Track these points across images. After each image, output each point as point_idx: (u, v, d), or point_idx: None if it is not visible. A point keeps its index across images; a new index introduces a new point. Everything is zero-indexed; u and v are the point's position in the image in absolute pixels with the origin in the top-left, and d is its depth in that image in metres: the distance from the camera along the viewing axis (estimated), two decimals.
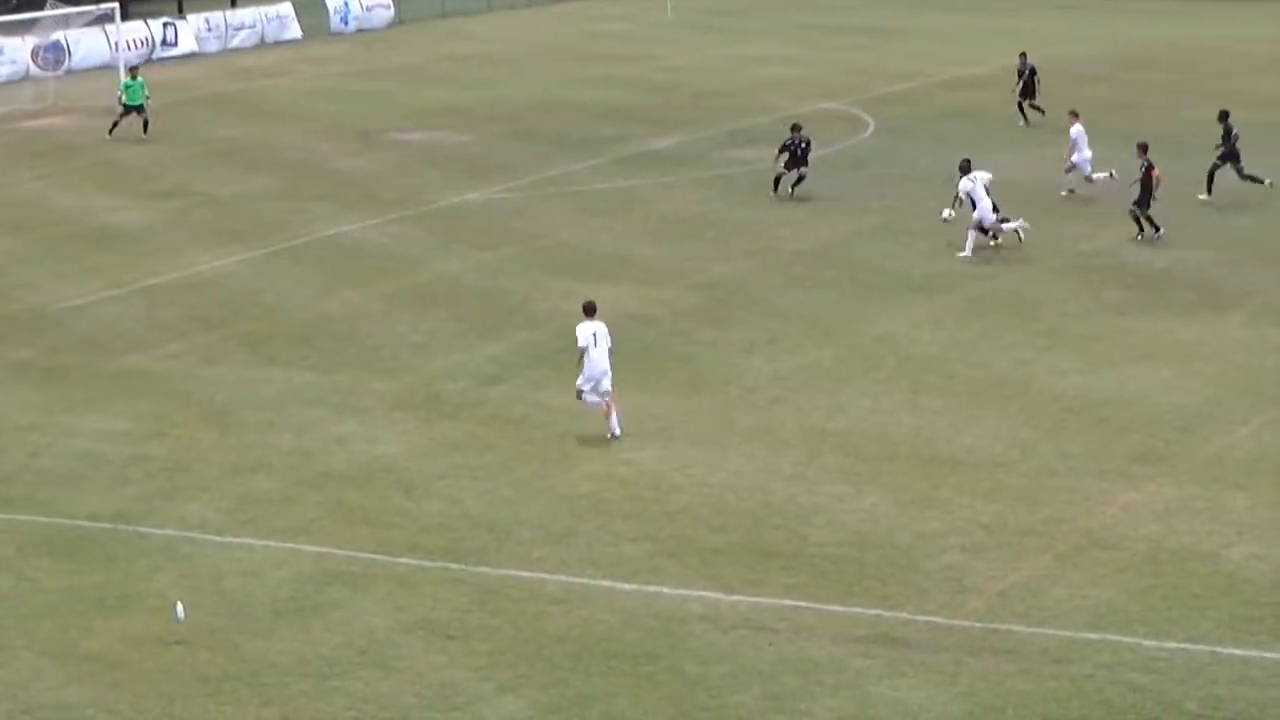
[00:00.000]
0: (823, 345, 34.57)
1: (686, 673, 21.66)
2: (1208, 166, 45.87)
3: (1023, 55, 56.78)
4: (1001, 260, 40.33)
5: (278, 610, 23.60)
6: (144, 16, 79.85)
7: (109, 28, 71.96)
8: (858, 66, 70.89)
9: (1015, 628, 22.55)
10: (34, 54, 72.44)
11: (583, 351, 29.50)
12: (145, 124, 57.53)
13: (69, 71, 72.26)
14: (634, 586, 24.04)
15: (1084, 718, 20.49)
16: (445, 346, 35.14)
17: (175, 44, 79.38)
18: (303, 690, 21.45)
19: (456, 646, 22.46)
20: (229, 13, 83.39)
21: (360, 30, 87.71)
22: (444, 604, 23.63)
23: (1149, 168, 41.54)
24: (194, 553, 25.51)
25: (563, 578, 24.36)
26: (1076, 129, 46.38)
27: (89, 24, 72.13)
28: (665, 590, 23.89)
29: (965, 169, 41.69)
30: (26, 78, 71.17)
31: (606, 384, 29.56)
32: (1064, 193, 46.41)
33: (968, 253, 40.40)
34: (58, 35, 72.44)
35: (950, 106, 60.53)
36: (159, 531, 26.29)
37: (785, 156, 46.69)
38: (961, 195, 41.11)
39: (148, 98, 57.77)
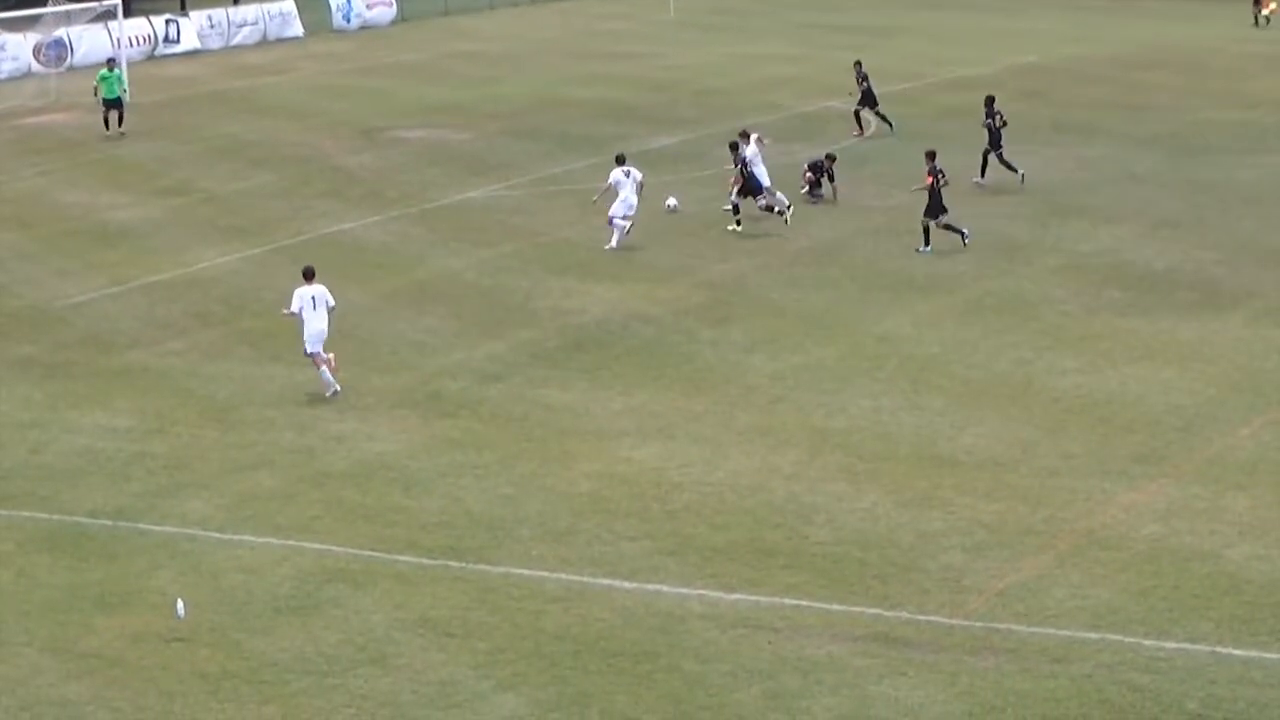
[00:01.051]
0: (824, 344, 34.58)
1: (686, 671, 21.67)
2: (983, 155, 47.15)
3: (857, 64, 56.06)
4: (1001, 260, 40.32)
5: (278, 608, 23.61)
6: (146, 13, 79.85)
7: (111, 24, 71.88)
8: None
9: (1015, 627, 22.56)
10: (36, 51, 72.42)
11: (299, 313, 32.07)
12: (120, 118, 56.98)
13: (71, 68, 72.22)
14: (634, 585, 24.06)
15: (1084, 717, 20.50)
16: (446, 344, 35.15)
17: (178, 41, 79.37)
18: (303, 687, 21.47)
19: (456, 644, 22.48)
20: (231, 10, 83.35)
21: (363, 27, 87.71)
22: (444, 602, 23.64)
23: (931, 173, 41.20)
24: (194, 550, 25.53)
25: (562, 576, 24.37)
26: (750, 149, 44.38)
27: (91, 21, 72.09)
28: (665, 589, 23.90)
29: (738, 144, 43.78)
30: (29, 74, 71.15)
31: (319, 345, 32.03)
32: (747, 216, 44.53)
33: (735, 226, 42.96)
34: (60, 32, 72.43)
35: (951, 106, 60.43)
36: (159, 528, 26.30)
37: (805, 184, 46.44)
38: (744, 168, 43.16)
39: (124, 90, 57.13)
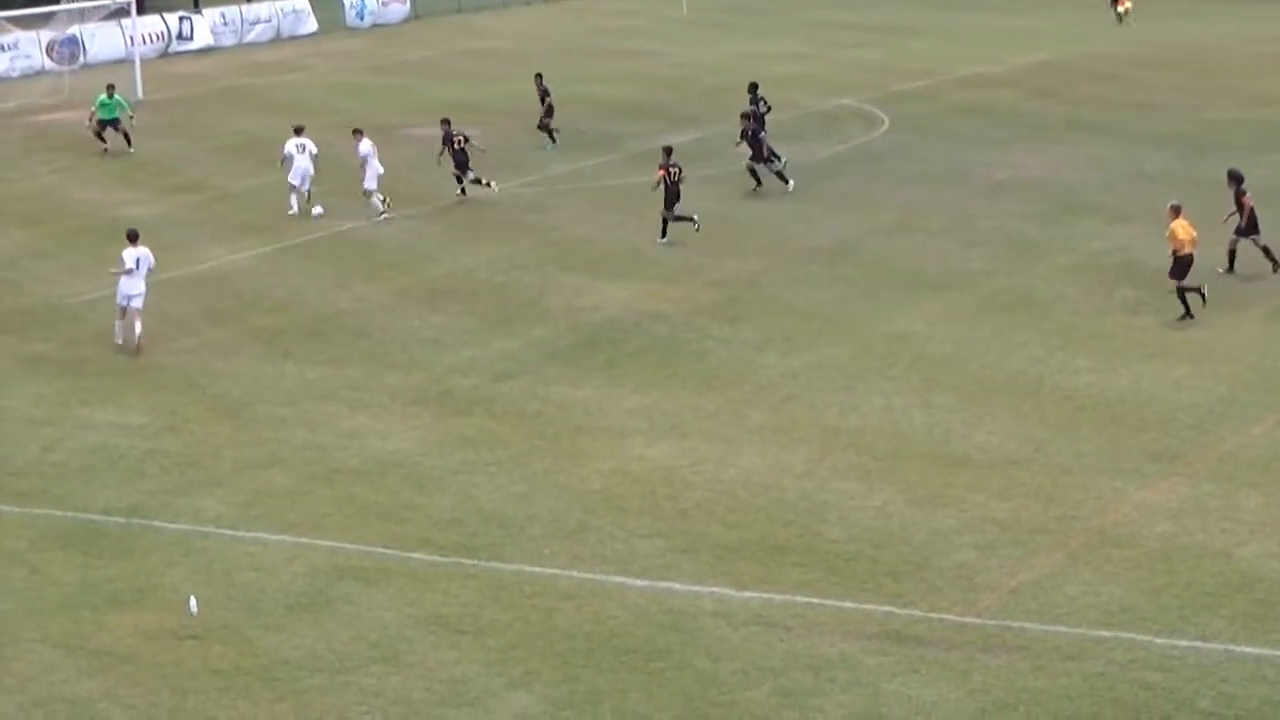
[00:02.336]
0: (836, 343, 34.57)
1: (698, 669, 21.67)
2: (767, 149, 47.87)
3: (538, 76, 56.03)
4: (1013, 259, 40.30)
5: (290, 605, 23.64)
6: (160, 11, 79.98)
7: (124, 22, 72.08)
8: (872, 64, 70.84)
9: (1028, 625, 22.54)
10: (49, 48, 72.55)
11: (125, 272, 35.04)
12: (127, 137, 55.10)
13: (84, 66, 72.35)
14: (646, 582, 24.06)
15: (1096, 715, 20.49)
16: (458, 342, 35.17)
17: (191, 38, 79.53)
18: (315, 685, 21.49)
19: (468, 642, 22.49)
20: (245, 7, 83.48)
21: (376, 25, 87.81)
22: (456, 599, 23.66)
23: (663, 167, 42.44)
24: (207, 547, 25.56)
25: (574, 573, 24.38)
26: (365, 145, 45.88)
27: (104, 18, 72.29)
28: (677, 586, 23.91)
29: (297, 130, 46.63)
30: (42, 72, 71.30)
31: (139, 302, 35.03)
32: (380, 218, 45.47)
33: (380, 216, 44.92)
34: (73, 29, 72.55)
35: (964, 104, 60.47)
36: (172, 526, 26.34)
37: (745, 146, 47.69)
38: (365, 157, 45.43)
39: (131, 117, 55.48)
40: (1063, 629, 22.43)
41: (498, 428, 30.27)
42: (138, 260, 35.30)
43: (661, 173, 42.53)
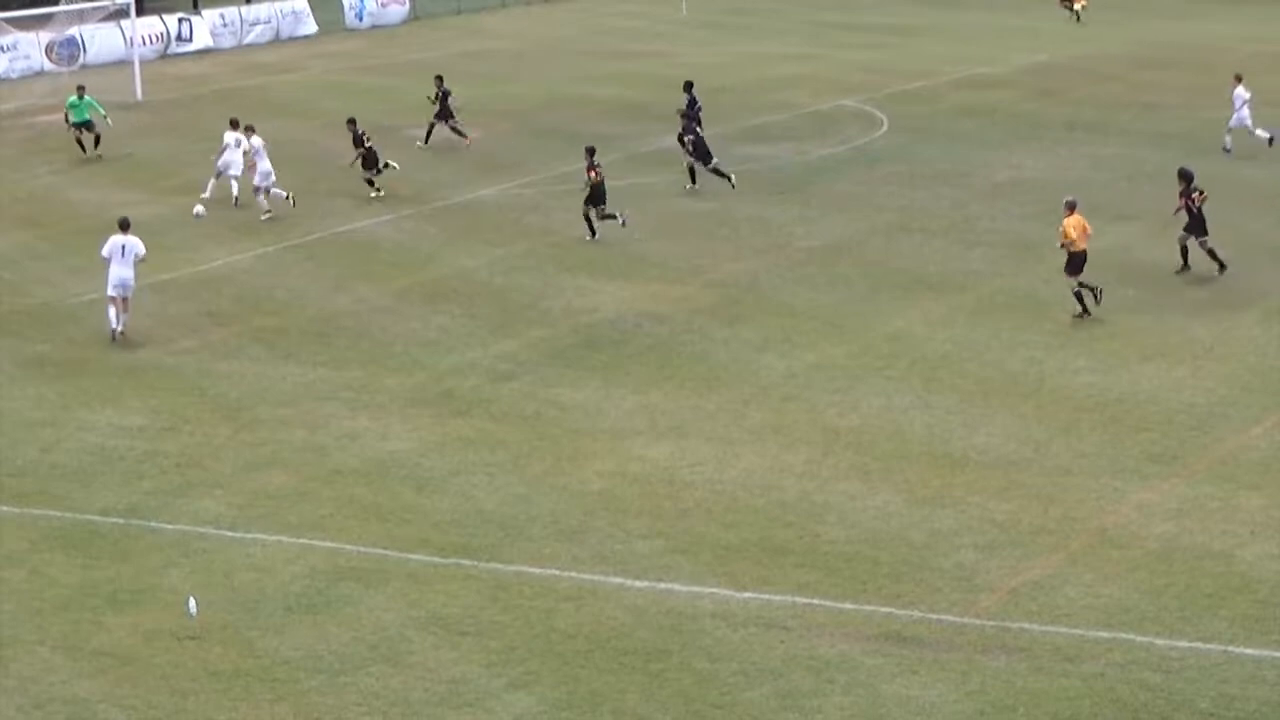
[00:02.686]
0: (835, 343, 34.57)
1: (698, 670, 21.67)
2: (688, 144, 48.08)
3: (438, 78, 56.13)
4: (1013, 259, 40.30)
5: (290, 606, 23.64)
6: (159, 11, 79.95)
7: (124, 23, 72.02)
8: (872, 64, 70.83)
9: (1027, 626, 22.55)
10: (49, 49, 72.50)
11: (107, 260, 35.55)
12: (97, 139, 54.63)
13: (84, 67, 72.31)
14: (645, 583, 24.06)
15: (1095, 716, 20.49)
16: (458, 343, 35.17)
17: (190, 39, 79.48)
18: (314, 686, 21.49)
19: (468, 643, 22.49)
20: (244, 8, 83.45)
21: (375, 26, 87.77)
22: (455, 600, 23.66)
23: (591, 168, 43.03)
24: (206, 548, 25.56)
25: (574, 574, 24.38)
26: (256, 141, 46.87)
27: (104, 19, 72.17)
28: (677, 587, 23.91)
29: (234, 125, 47.65)
30: (41, 73, 71.27)
31: (129, 292, 35.64)
32: (265, 216, 45.82)
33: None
34: (72, 30, 72.50)
35: (964, 105, 60.48)
36: (172, 527, 26.34)
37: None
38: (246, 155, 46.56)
39: (105, 116, 54.85)
40: (1062, 630, 22.43)
41: (498, 429, 30.27)
42: (123, 248, 35.63)
43: (591, 173, 43.09)
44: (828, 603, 23.37)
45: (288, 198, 46.37)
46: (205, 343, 35.59)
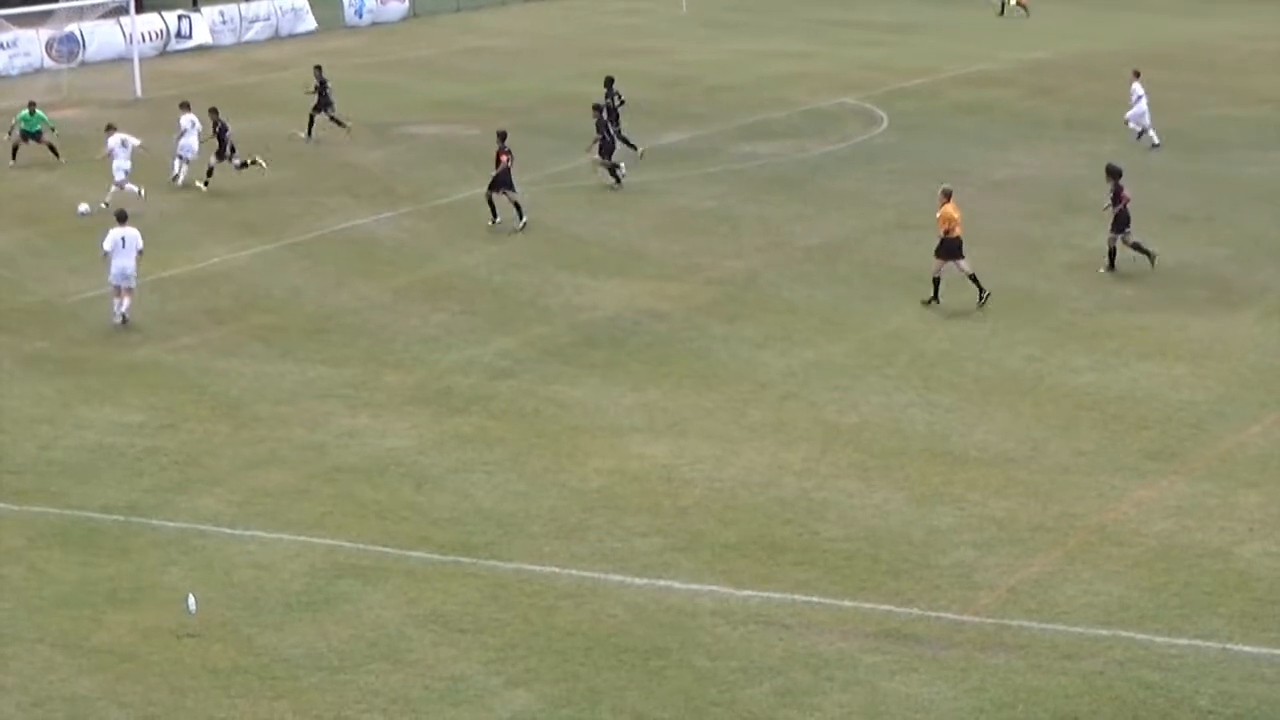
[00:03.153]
0: (835, 341, 34.58)
1: (697, 667, 21.68)
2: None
3: (317, 68, 56.94)
4: (1013, 257, 40.31)
5: (289, 603, 23.63)
6: (159, 9, 79.96)
7: (124, 20, 72.03)
8: (871, 62, 70.85)
9: (1026, 624, 22.55)
10: (48, 46, 72.50)
11: (108, 253, 36.21)
12: (53, 149, 53.66)
13: (83, 64, 72.33)
14: (645, 581, 24.06)
15: (1095, 714, 20.49)
16: (457, 340, 35.17)
17: (190, 36, 79.50)
18: (314, 683, 21.49)
19: (467, 640, 22.49)
20: (243, 6, 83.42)
21: (374, 23, 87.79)
22: (455, 597, 23.66)
23: (503, 151, 43.90)
24: (206, 545, 25.56)
25: (573, 572, 24.38)
26: (113, 140, 48.16)
27: (103, 16, 72.23)
28: (676, 585, 23.91)
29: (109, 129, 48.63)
30: (41, 70, 71.27)
31: (131, 282, 36.44)
32: (102, 205, 46.01)
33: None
34: (72, 27, 72.51)
35: (963, 102, 60.50)
36: (171, 524, 26.33)
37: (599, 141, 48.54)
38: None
39: (53, 129, 54.16)
40: (1061, 627, 22.43)
41: (496, 426, 30.27)
42: (123, 240, 36.24)
43: (504, 158, 43.88)
44: (827, 600, 23.38)
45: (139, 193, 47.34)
46: (204, 340, 35.60)
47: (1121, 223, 38.41)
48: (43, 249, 43.55)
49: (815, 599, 23.42)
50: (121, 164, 47.74)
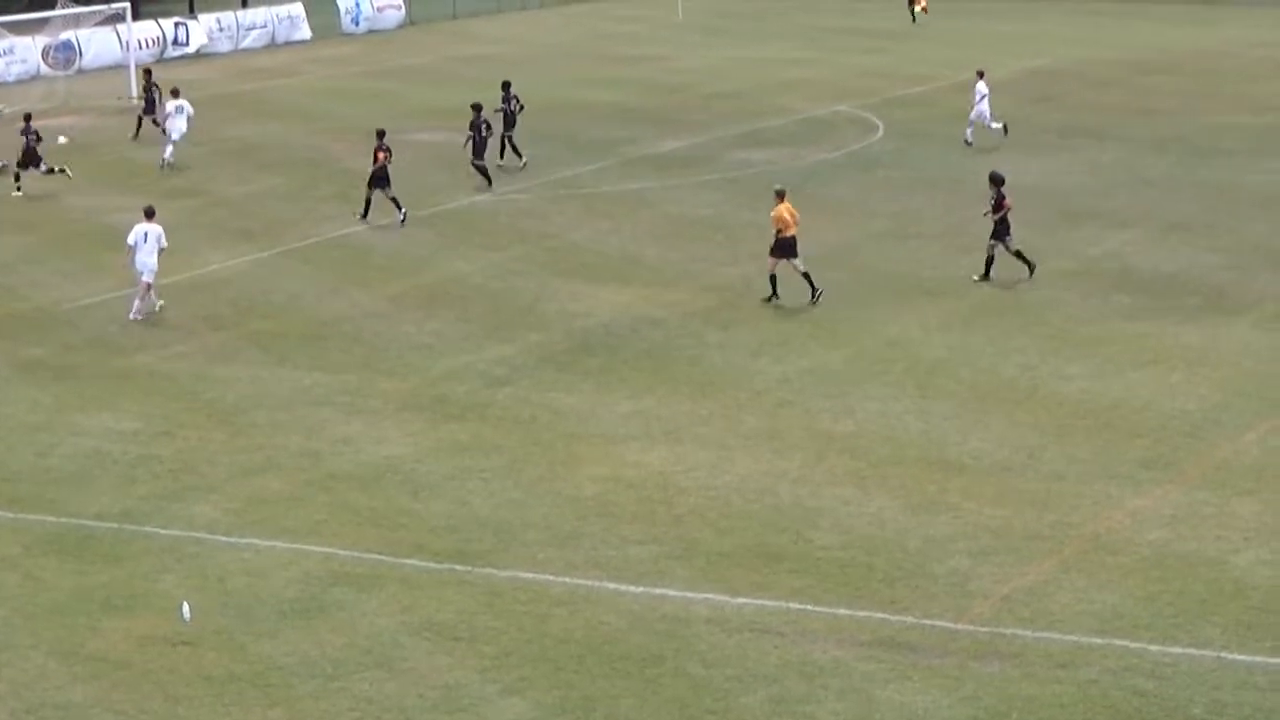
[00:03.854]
0: (830, 348, 34.58)
1: (692, 675, 21.66)
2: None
3: (147, 72, 58.53)
4: (1009, 264, 40.33)
5: (284, 611, 23.62)
6: (155, 16, 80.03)
7: (120, 27, 72.07)
8: (869, 69, 70.92)
9: (1021, 632, 22.54)
10: (45, 53, 72.55)
11: (131, 247, 37.28)
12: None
13: (80, 71, 72.37)
14: (640, 589, 24.05)
15: None
16: (453, 347, 35.17)
17: (186, 44, 79.54)
18: (308, 691, 21.47)
19: (462, 648, 22.48)
20: (240, 13, 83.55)
21: (371, 31, 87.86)
22: (450, 605, 23.65)
23: (381, 149, 45.09)
24: (201, 553, 25.54)
25: (568, 580, 24.38)
26: (171, 105, 53.21)
27: (100, 23, 72.27)
28: (671, 593, 23.90)
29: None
30: (37, 77, 71.31)
31: (149, 277, 37.24)
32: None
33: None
34: (68, 34, 72.54)
35: (961, 110, 60.41)
36: (166, 532, 26.32)
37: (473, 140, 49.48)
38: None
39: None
40: (1055, 636, 22.42)
41: (492, 433, 30.26)
42: (146, 234, 37.39)
43: (380, 155, 44.90)
44: (821, 608, 23.37)
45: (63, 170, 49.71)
46: (201, 347, 35.59)
47: (1001, 230, 38.53)
48: (38, 255, 43.55)
49: (810, 607, 23.41)
50: (178, 124, 52.80)
